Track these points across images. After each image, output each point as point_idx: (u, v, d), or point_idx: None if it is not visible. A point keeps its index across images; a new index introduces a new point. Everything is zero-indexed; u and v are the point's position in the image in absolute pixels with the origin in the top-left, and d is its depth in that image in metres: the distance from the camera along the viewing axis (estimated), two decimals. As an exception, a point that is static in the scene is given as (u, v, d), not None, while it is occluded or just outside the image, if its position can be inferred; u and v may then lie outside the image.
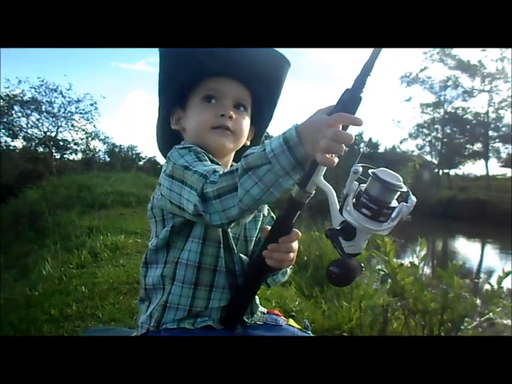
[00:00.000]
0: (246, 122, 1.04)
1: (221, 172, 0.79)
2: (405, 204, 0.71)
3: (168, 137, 1.08)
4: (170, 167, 0.89)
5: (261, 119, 1.09)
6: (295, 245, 0.90)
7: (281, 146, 0.71)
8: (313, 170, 0.74)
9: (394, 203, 0.72)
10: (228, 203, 0.76)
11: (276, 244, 0.86)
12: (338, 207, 0.75)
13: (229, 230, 0.97)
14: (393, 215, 0.72)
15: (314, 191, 0.79)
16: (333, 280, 0.75)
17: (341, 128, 0.69)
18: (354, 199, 0.73)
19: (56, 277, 3.33)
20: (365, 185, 0.73)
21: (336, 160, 0.70)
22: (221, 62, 0.97)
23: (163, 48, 0.95)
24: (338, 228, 0.74)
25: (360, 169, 0.71)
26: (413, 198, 0.72)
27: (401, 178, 0.71)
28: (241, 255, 1.00)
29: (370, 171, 0.71)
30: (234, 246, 0.98)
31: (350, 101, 0.70)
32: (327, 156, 0.69)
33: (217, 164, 0.91)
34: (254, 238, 1.05)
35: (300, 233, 0.89)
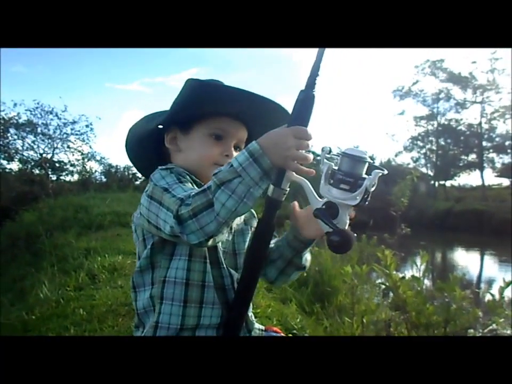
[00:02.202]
0: None
1: (194, 193, 0.82)
2: (370, 176, 0.80)
3: (151, 154, 1.09)
4: (151, 187, 0.93)
5: None
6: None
7: (247, 160, 0.79)
8: (285, 170, 0.83)
9: (364, 175, 0.81)
10: (204, 220, 0.80)
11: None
12: (315, 194, 0.85)
13: (219, 244, 0.98)
14: (363, 185, 0.79)
15: (288, 188, 0.87)
16: (335, 247, 0.80)
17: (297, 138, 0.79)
18: (331, 180, 0.81)
19: (54, 300, 3.28)
20: (335, 166, 0.83)
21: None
22: (236, 105, 1.00)
23: (190, 79, 0.97)
24: (323, 207, 0.82)
25: (329, 148, 0.83)
26: (377, 171, 0.81)
27: (366, 151, 0.81)
28: (230, 269, 1.00)
29: (338, 151, 0.82)
30: (222, 260, 0.99)
31: (305, 100, 0.81)
32: (293, 162, 0.81)
33: (200, 184, 0.95)
34: (243, 252, 1.06)
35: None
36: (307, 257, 1.09)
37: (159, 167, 0.98)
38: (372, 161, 0.82)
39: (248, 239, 1.08)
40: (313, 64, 0.81)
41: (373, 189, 0.80)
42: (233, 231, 1.05)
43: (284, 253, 1.06)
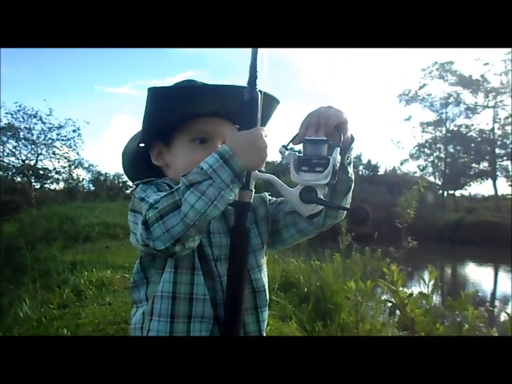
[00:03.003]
0: None
1: (162, 196, 0.84)
2: (333, 154, 0.89)
3: (143, 172, 1.09)
4: (132, 201, 0.95)
5: None
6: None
7: (217, 161, 0.82)
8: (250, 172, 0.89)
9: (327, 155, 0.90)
10: (170, 222, 0.80)
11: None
12: (286, 186, 0.93)
13: (210, 251, 0.98)
14: (329, 164, 0.88)
15: (254, 189, 0.92)
16: (362, 220, 0.85)
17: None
18: (302, 167, 0.89)
19: (35, 319, 3.25)
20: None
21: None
22: (211, 102, 1.00)
23: (152, 87, 0.97)
24: (303, 192, 0.89)
25: (284, 149, 0.92)
26: (337, 147, 0.90)
27: (323, 136, 0.90)
28: (223, 279, 0.98)
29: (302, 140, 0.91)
30: (214, 269, 0.98)
31: (251, 99, 0.87)
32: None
33: None
34: (260, 245, 1.06)
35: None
36: (352, 170, 1.02)
37: (140, 182, 0.99)
38: (328, 140, 0.91)
39: (264, 231, 1.07)
40: (251, 63, 0.87)
41: (337, 165, 0.89)
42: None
43: None
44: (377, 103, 48.89)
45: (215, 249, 1.00)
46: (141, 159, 1.10)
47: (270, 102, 1.04)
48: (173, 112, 0.99)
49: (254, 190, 0.91)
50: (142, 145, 1.08)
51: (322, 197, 0.90)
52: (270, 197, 1.14)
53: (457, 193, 29.26)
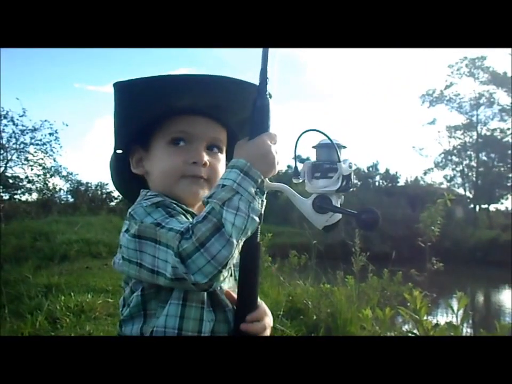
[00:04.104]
0: (222, 165, 1.07)
1: (193, 223, 0.84)
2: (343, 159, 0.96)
3: (128, 180, 1.10)
4: (135, 225, 0.91)
5: None
6: (265, 321, 0.99)
7: (239, 175, 0.88)
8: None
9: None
10: (215, 247, 0.81)
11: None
12: (298, 195, 1.00)
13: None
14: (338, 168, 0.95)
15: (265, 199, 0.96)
16: (371, 224, 0.92)
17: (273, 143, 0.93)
18: (315, 174, 0.97)
19: (5, 349, 3.26)
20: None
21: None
22: (188, 97, 1.00)
23: (119, 81, 0.99)
24: (316, 200, 0.97)
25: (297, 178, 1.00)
26: (348, 161, 0.96)
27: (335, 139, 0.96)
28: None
29: (312, 147, 1.00)
30: (223, 297, 0.98)
31: (263, 106, 0.94)
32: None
33: (192, 213, 0.98)
34: None
35: (266, 310, 1.01)
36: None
37: (141, 202, 0.97)
38: (344, 146, 0.98)
39: None
40: (261, 68, 0.94)
41: (350, 170, 0.96)
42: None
43: None
44: (397, 104, 49.00)
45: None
46: (126, 168, 1.09)
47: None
48: (144, 110, 1.00)
49: (265, 200, 0.96)
50: (119, 152, 1.09)
51: (338, 205, 0.96)
52: None
53: (492, 207, 29.12)
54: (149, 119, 1.02)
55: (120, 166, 1.11)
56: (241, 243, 0.86)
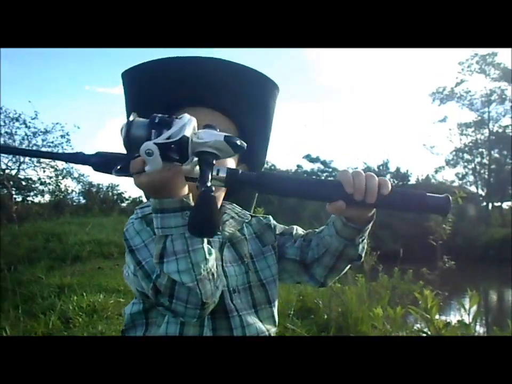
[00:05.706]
0: (231, 165, 1.02)
1: (154, 278, 0.85)
2: None
3: None
4: (127, 248, 0.94)
5: (251, 157, 1.08)
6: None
7: (157, 219, 0.81)
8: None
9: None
10: (183, 295, 0.82)
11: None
12: None
13: (225, 282, 0.97)
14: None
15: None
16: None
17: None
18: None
19: (18, 349, 3.29)
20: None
21: None
22: (193, 89, 0.98)
23: (126, 70, 1.01)
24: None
25: None
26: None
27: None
28: (242, 313, 0.99)
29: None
30: (230, 303, 0.98)
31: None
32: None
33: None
34: (272, 279, 1.05)
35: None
36: (364, 244, 1.04)
37: (132, 217, 0.98)
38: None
39: (273, 263, 1.07)
40: None
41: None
42: (247, 259, 1.05)
43: (331, 246, 1.00)
44: (407, 102, 48.76)
45: (230, 279, 1.00)
46: None
47: (266, 85, 1.05)
48: (148, 103, 0.97)
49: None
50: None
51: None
52: (275, 223, 1.14)
53: (505, 205, 28.77)
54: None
55: None
56: (208, 270, 0.83)
